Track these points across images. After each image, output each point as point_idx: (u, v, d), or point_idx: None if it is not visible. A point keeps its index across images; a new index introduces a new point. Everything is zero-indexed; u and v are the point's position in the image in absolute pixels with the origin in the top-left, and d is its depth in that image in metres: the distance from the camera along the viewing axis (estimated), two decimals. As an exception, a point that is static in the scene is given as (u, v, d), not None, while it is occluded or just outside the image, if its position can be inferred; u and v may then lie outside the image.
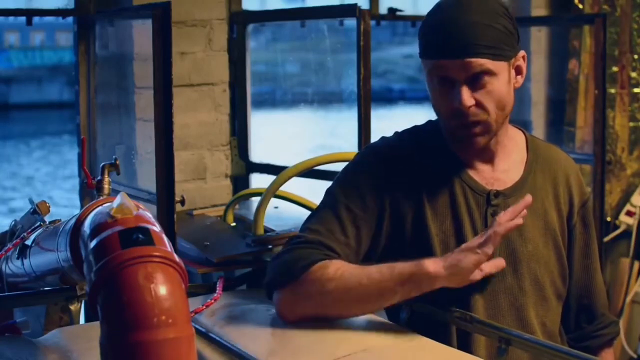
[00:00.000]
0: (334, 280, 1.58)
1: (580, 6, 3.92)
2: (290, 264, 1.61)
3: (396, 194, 1.69)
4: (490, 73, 1.60)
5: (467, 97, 1.60)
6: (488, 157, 1.73)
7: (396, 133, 1.80)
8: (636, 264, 3.86)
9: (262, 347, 1.53)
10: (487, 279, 1.66)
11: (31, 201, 1.87)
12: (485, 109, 1.62)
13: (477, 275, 1.57)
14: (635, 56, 4.01)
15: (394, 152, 1.73)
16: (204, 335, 1.60)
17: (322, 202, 1.73)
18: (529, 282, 1.70)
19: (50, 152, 17.47)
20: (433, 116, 1.80)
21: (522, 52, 1.69)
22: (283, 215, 2.71)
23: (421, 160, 1.72)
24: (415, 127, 1.80)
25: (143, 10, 2.48)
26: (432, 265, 1.56)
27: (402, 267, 1.57)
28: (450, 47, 1.59)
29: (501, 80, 1.63)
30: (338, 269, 1.59)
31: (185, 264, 1.13)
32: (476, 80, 1.61)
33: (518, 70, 1.70)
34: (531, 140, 1.81)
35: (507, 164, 1.75)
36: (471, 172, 1.72)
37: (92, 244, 1.13)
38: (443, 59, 1.60)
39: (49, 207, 1.83)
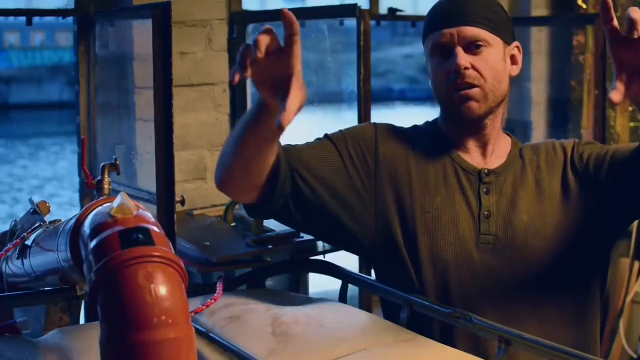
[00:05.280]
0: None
1: (584, 6, 3.91)
2: None
3: (384, 159, 1.76)
4: (484, 42, 1.72)
5: (463, 57, 1.70)
6: (481, 141, 1.78)
7: None
8: (636, 264, 3.85)
9: (262, 347, 1.53)
10: (487, 259, 1.70)
11: (31, 201, 1.87)
12: (481, 74, 1.71)
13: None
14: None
15: (389, 127, 1.83)
16: (204, 335, 1.60)
17: None
18: (529, 255, 1.71)
19: (48, 153, 17.46)
20: (433, 117, 1.86)
21: (516, 43, 1.79)
22: (283, 215, 2.70)
23: (415, 144, 1.79)
24: (414, 125, 1.88)
25: (143, 10, 2.49)
26: None
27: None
28: (448, 18, 1.72)
29: (497, 53, 1.74)
30: None
31: (185, 264, 1.13)
32: (472, 48, 1.71)
33: (513, 60, 1.79)
34: (515, 140, 1.86)
35: (497, 152, 1.80)
36: (462, 154, 1.78)
37: (92, 244, 1.13)
38: (442, 28, 1.72)
39: (49, 207, 1.83)
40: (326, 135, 1.79)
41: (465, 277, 1.70)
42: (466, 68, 1.69)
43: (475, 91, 1.71)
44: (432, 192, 1.74)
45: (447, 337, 1.68)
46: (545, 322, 1.70)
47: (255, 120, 1.53)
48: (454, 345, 1.64)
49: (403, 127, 1.86)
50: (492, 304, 1.69)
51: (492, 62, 1.71)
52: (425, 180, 1.75)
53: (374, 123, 1.85)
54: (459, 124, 1.77)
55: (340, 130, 1.80)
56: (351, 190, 1.73)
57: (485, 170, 1.76)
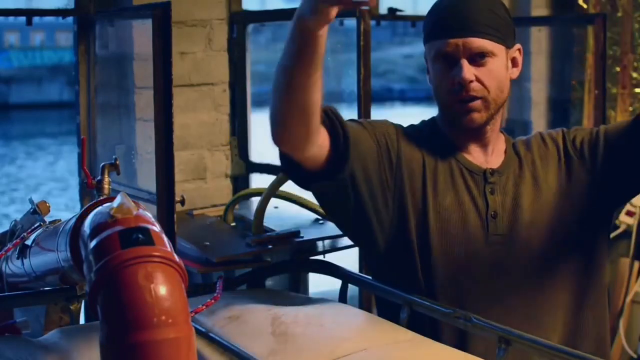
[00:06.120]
0: None
1: (585, 6, 3.91)
2: None
3: (405, 159, 1.75)
4: (490, 53, 1.71)
5: (468, 71, 1.70)
6: (482, 143, 1.80)
7: None
8: (636, 264, 3.85)
9: (262, 347, 1.53)
10: (492, 254, 1.72)
11: (31, 201, 1.87)
12: (485, 85, 1.71)
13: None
14: (637, 56, 4.01)
15: (403, 127, 1.83)
16: (204, 335, 1.60)
17: None
18: (536, 250, 1.74)
19: (47, 153, 17.45)
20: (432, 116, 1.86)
21: (517, 45, 1.80)
22: (283, 215, 2.71)
23: (423, 144, 1.80)
24: (412, 125, 1.88)
25: (143, 10, 2.49)
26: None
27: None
28: (454, 27, 1.71)
29: (501, 62, 1.74)
30: None
31: (185, 264, 1.12)
32: (477, 59, 1.71)
33: (514, 62, 1.79)
34: (507, 137, 1.88)
35: (497, 150, 1.82)
36: (466, 155, 1.79)
37: (92, 244, 1.13)
38: (447, 38, 1.71)
39: (49, 207, 1.83)
40: (356, 121, 1.77)
41: (476, 277, 1.71)
42: (471, 81, 1.70)
43: (478, 103, 1.72)
44: (442, 193, 1.75)
45: (447, 337, 1.68)
46: (559, 312, 1.73)
47: (300, 50, 1.52)
48: (454, 345, 1.64)
49: (411, 126, 1.86)
50: (505, 301, 1.71)
51: (496, 73, 1.72)
52: (435, 180, 1.76)
53: (391, 122, 1.84)
54: (459, 129, 1.78)
55: (363, 120, 1.79)
56: (379, 179, 1.73)
57: (490, 170, 1.77)
